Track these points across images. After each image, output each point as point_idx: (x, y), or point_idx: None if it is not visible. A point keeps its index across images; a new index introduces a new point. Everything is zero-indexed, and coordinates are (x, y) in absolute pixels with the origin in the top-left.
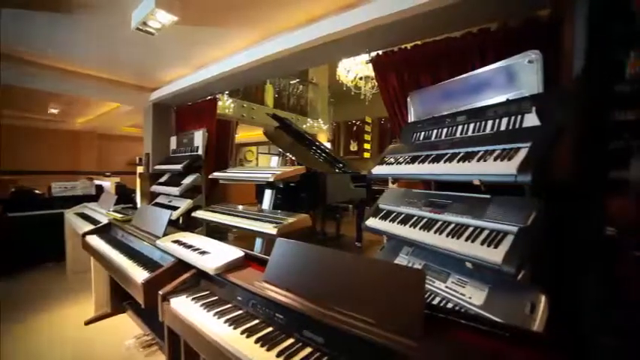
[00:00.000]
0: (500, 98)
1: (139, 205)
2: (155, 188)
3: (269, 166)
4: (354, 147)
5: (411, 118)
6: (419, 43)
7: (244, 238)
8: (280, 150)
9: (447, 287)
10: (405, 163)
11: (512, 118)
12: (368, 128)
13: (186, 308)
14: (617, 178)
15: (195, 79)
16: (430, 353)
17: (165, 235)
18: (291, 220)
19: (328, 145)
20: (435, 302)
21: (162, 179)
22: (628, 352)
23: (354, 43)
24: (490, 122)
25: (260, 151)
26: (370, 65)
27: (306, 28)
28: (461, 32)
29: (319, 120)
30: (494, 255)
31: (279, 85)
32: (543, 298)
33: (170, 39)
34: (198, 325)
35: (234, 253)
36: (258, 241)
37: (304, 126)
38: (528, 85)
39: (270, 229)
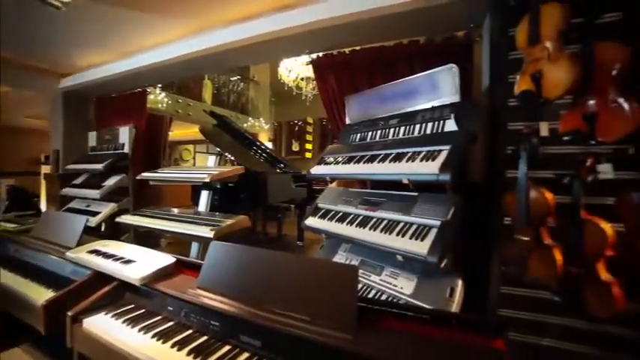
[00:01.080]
0: (427, 104)
1: (43, 212)
2: (68, 191)
3: (206, 165)
4: (296, 147)
5: (349, 120)
6: (357, 48)
7: (181, 243)
8: (218, 149)
9: (381, 280)
10: (342, 164)
11: (436, 123)
12: (310, 128)
13: (104, 327)
14: (511, 177)
15: (120, 68)
16: (363, 344)
17: (79, 245)
18: (229, 221)
19: (269, 144)
20: (371, 295)
21: (78, 181)
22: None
23: (294, 44)
24: (418, 126)
25: (198, 150)
26: (311, 66)
27: (246, 24)
28: (393, 42)
29: (260, 119)
30: (421, 247)
31: (219, 81)
32: (460, 282)
33: (84, 17)
34: (119, 345)
35: (164, 259)
36: (195, 246)
37: (245, 125)
38: (448, 94)
39: (207, 232)
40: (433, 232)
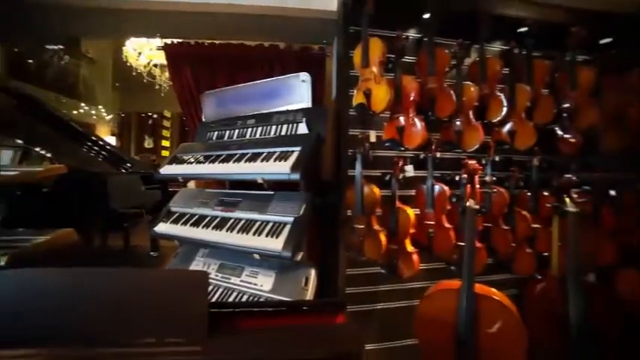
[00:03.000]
0: (283, 107)
1: None
2: None
3: None
4: (149, 144)
5: (205, 117)
6: (216, 42)
7: None
8: (20, 141)
9: (242, 281)
10: (197, 163)
11: (290, 125)
12: (167, 123)
13: None
14: (351, 175)
15: None
16: (215, 352)
17: None
18: (39, 239)
19: (112, 139)
20: (232, 298)
21: None
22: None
23: (142, 21)
24: (274, 127)
25: None
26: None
27: None
28: (255, 43)
29: (100, 107)
30: (276, 244)
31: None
32: (313, 272)
33: None
34: None
35: None
36: None
37: (75, 112)
38: (302, 99)
39: None
40: (287, 229)
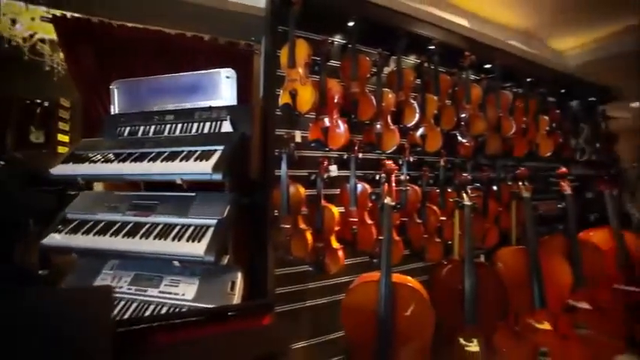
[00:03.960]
0: (206, 103)
1: None
2: None
3: None
4: (37, 137)
5: (116, 109)
6: (128, 24)
7: None
8: None
9: (160, 292)
10: (105, 162)
11: (214, 123)
12: (64, 114)
13: None
14: (278, 175)
15: None
16: None
17: None
18: None
19: None
20: (149, 312)
21: None
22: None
23: None
24: (196, 124)
25: None
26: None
27: None
28: (175, 31)
29: None
30: (198, 248)
31: None
32: (240, 275)
33: None
34: None
35: None
36: None
37: None
38: (227, 96)
39: None
40: (210, 232)
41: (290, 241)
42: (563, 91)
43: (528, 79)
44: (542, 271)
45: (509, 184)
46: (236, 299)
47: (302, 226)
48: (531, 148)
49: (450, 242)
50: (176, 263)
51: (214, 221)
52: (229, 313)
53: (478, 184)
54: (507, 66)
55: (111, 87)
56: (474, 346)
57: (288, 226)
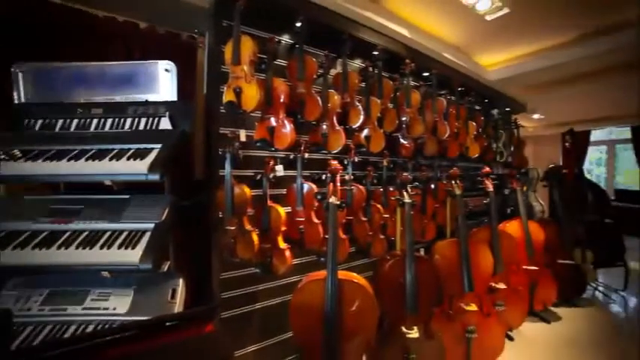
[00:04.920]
0: (140, 97)
1: None
2: None
3: None
4: None
5: (21, 97)
6: None
7: None
8: None
9: (85, 309)
10: (8, 159)
11: (151, 119)
12: None
13: None
14: (222, 175)
15: None
16: None
17: None
18: None
19: None
20: (69, 333)
21: None
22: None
23: None
24: (130, 120)
25: None
26: None
27: None
28: (103, 14)
29: None
30: (132, 256)
31: None
32: (181, 281)
33: None
34: None
35: None
36: None
37: None
38: (165, 90)
39: None
40: (146, 237)
41: (235, 243)
42: (486, 100)
43: (460, 89)
44: (471, 259)
45: (444, 182)
46: (177, 308)
47: (248, 227)
48: (462, 150)
49: (392, 238)
50: (105, 274)
51: (151, 225)
52: (168, 324)
53: (417, 183)
54: (443, 75)
55: (13, 70)
56: (414, 333)
57: (233, 228)
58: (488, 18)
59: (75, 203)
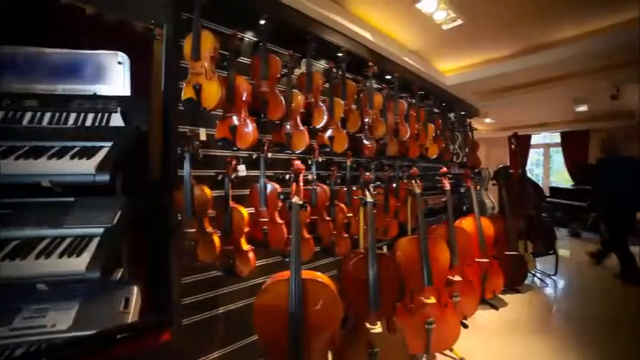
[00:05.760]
0: (88, 90)
1: None
2: None
3: None
4: None
5: None
6: None
7: None
8: None
9: (13, 330)
10: None
11: (99, 115)
12: None
13: None
14: (180, 176)
15: None
16: None
17: None
18: None
19: None
20: None
21: None
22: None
23: None
24: (74, 115)
25: None
26: None
27: None
28: None
29: None
30: (76, 265)
31: None
32: (135, 289)
33: None
34: None
35: None
36: None
37: None
38: (117, 84)
39: None
40: (94, 243)
41: (196, 246)
42: (444, 104)
43: (420, 92)
44: (430, 254)
45: (405, 182)
46: (131, 318)
47: (209, 229)
48: (422, 151)
49: (356, 237)
50: (41, 287)
51: (100, 230)
52: (118, 336)
53: (380, 183)
54: (404, 79)
55: None
56: (377, 328)
57: (193, 230)
58: (444, 27)
59: (2, 208)
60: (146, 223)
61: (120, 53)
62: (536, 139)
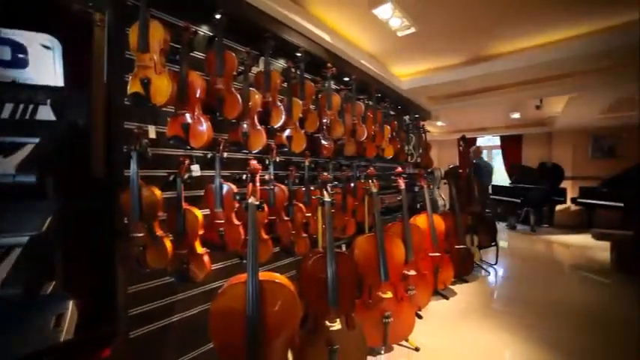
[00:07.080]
0: (5, 77)
1: None
2: None
3: None
4: None
5: None
6: None
7: None
8: None
9: None
10: None
11: (22, 106)
12: None
13: None
14: (126, 176)
15: None
16: None
17: None
18: None
19: None
20: None
21: None
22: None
23: None
24: None
25: None
26: None
27: None
28: None
29: None
30: None
31: None
32: (70, 304)
33: None
34: None
35: None
36: None
37: None
38: (45, 72)
39: None
40: (15, 254)
41: (145, 252)
42: (399, 107)
43: (377, 95)
44: (386, 251)
45: (363, 181)
46: (64, 335)
47: (159, 232)
48: (378, 151)
49: (315, 236)
50: None
51: (24, 239)
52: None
53: (338, 183)
54: (361, 81)
55: None
56: (337, 325)
57: (141, 235)
58: (399, 34)
59: None
60: (87, 228)
61: (46, 35)
62: (480, 141)
